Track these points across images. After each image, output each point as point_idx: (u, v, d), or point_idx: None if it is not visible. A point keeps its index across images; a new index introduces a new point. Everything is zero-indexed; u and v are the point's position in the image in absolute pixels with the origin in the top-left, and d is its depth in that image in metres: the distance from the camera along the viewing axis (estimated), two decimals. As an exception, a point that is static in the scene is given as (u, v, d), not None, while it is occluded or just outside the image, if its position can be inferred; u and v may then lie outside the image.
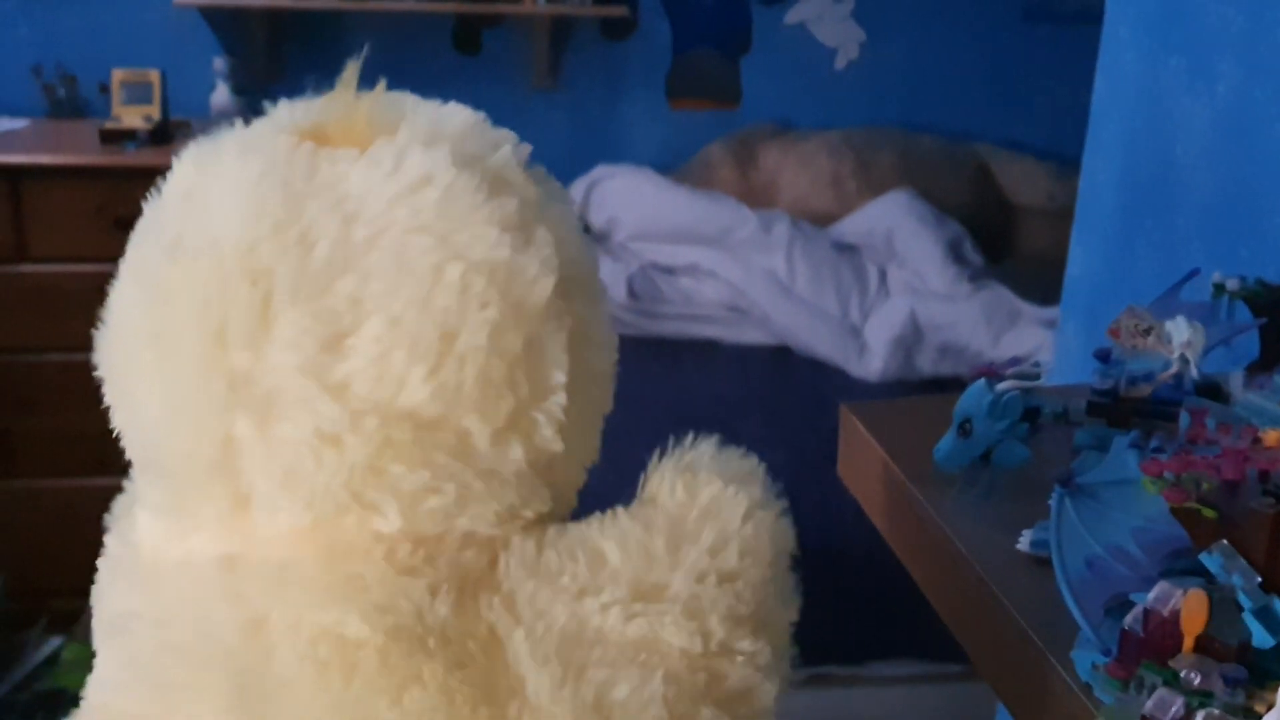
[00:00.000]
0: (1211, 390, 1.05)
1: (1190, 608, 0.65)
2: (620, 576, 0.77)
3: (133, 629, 0.78)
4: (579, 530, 0.80)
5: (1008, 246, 3.41)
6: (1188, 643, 0.65)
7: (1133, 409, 0.93)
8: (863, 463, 1.06)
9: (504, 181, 0.77)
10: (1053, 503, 0.77)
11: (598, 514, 0.82)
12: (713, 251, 3.16)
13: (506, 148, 0.79)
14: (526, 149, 0.81)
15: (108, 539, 0.86)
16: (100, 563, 0.86)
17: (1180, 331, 0.92)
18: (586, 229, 0.86)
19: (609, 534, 0.79)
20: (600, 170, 3.22)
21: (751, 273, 3.15)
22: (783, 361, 3.17)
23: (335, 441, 0.72)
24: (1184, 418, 0.81)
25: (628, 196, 3.20)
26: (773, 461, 3.19)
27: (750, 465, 0.90)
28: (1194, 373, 0.93)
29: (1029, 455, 0.94)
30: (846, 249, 3.25)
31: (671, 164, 3.33)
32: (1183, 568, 0.70)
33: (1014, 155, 3.50)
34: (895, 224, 3.25)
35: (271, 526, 0.75)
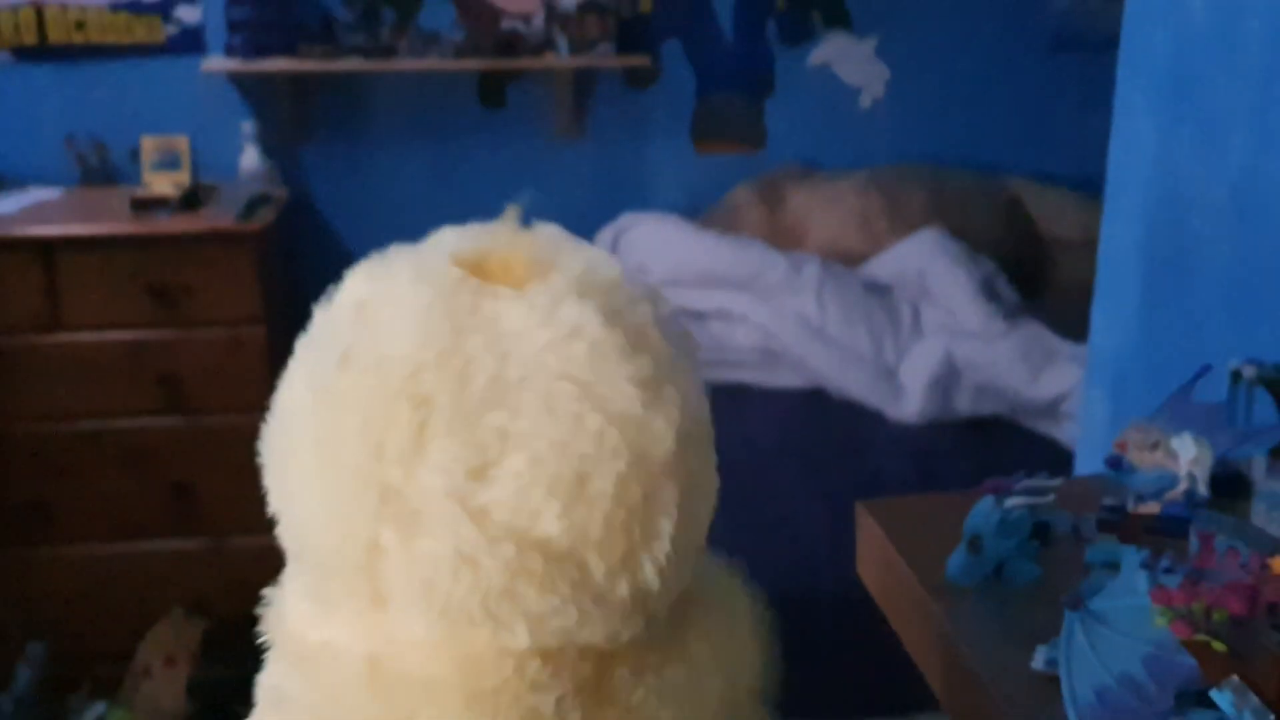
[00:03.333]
0: (1233, 479, 1.03)
1: (1201, 752, 0.64)
2: (711, 672, 0.87)
3: (291, 713, 0.86)
4: (668, 631, 0.87)
5: (1043, 281, 3.38)
6: (1199, 787, 0.64)
7: (1142, 526, 0.92)
8: (879, 565, 1.05)
9: (643, 339, 0.83)
10: (1063, 629, 0.76)
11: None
12: (742, 295, 3.15)
13: (647, 305, 0.86)
14: (666, 304, 0.89)
15: (265, 612, 0.92)
16: (264, 635, 0.93)
17: (1186, 449, 0.91)
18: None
19: (692, 629, 0.88)
20: (627, 218, 3.21)
21: (782, 315, 3.13)
22: (817, 404, 3.15)
23: (472, 562, 0.78)
24: (1193, 542, 0.80)
25: (655, 243, 3.19)
26: (809, 507, 3.16)
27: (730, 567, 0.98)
28: (1202, 489, 0.92)
29: (1040, 573, 0.93)
30: (878, 289, 3.23)
31: (698, 209, 3.33)
32: (1194, 701, 0.68)
33: (1046, 187, 3.47)
34: (926, 262, 3.23)
35: (407, 631, 0.81)
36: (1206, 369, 1.03)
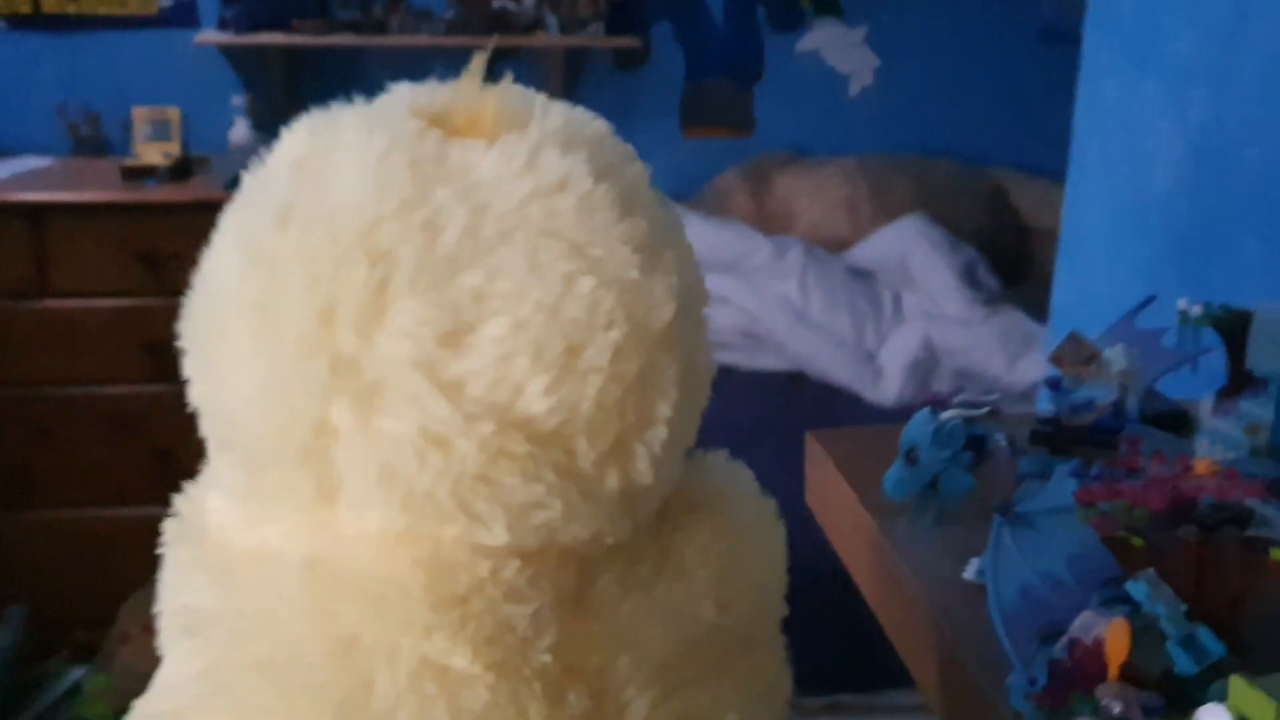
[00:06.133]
0: (1178, 417, 1.05)
1: (1113, 637, 0.66)
2: (705, 595, 0.77)
3: (209, 635, 0.73)
4: (660, 543, 0.78)
5: (1025, 269, 3.41)
6: (1112, 671, 0.66)
7: (1075, 437, 0.94)
8: (825, 490, 1.07)
9: (636, 199, 0.73)
10: (991, 533, 0.78)
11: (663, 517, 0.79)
12: (726, 278, 3.17)
13: (638, 164, 0.77)
14: (649, 168, 0.78)
15: (170, 525, 0.79)
16: (165, 551, 0.79)
17: (1118, 360, 0.93)
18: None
19: (687, 543, 0.78)
20: (614, 200, 3.23)
21: (765, 299, 3.15)
22: (798, 387, 3.17)
23: (443, 443, 0.67)
24: (1122, 448, 0.82)
25: (641, 225, 3.21)
26: (788, 487, 3.19)
27: (745, 471, 0.90)
28: (1133, 401, 0.94)
29: (974, 484, 0.95)
30: (861, 274, 3.26)
31: (686, 192, 3.35)
32: (1113, 596, 0.70)
33: (1030, 178, 3.50)
34: (909, 249, 3.26)
35: (358, 527, 0.71)
36: (1150, 299, 1.05)
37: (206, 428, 0.76)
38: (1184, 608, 0.67)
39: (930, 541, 0.93)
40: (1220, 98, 1.21)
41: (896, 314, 3.19)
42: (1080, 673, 0.67)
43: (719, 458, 0.88)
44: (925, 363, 3.13)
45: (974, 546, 0.87)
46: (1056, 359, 0.97)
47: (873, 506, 0.98)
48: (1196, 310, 1.04)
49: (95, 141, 3.11)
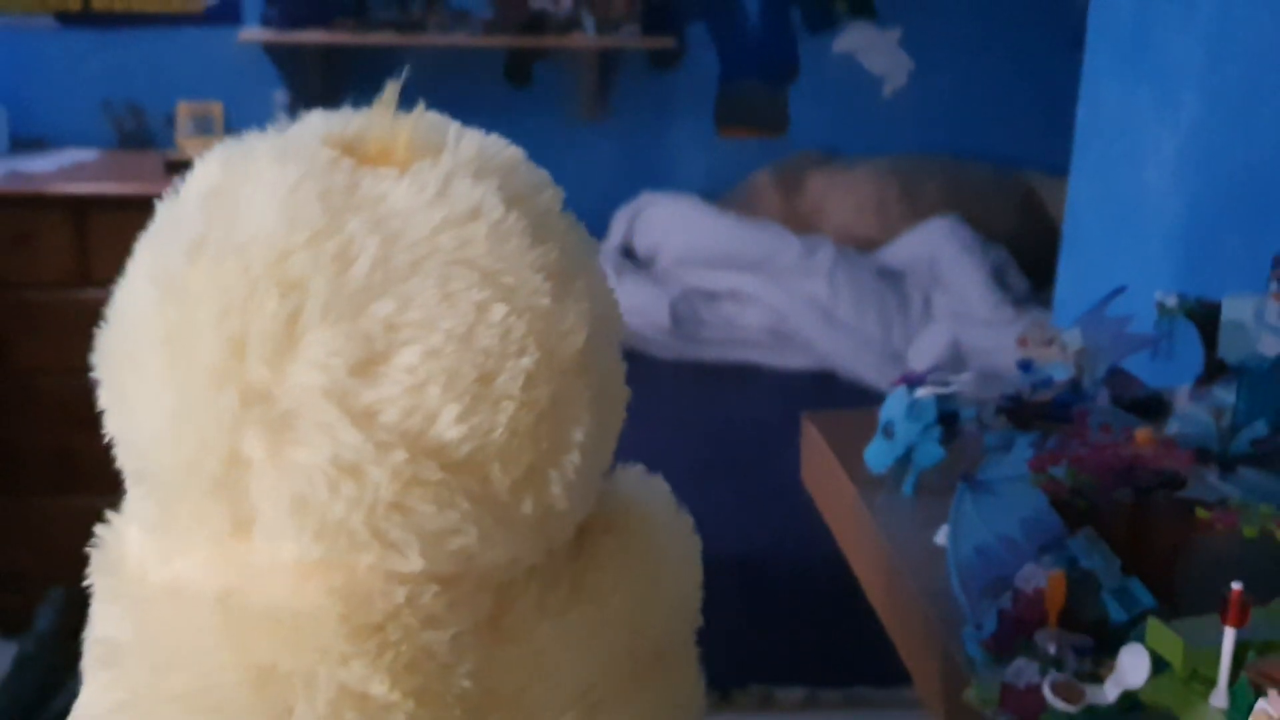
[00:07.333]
0: (1155, 403, 1.10)
1: (1051, 587, 0.71)
2: (621, 618, 0.78)
3: (126, 667, 0.74)
4: (576, 566, 0.78)
5: (1055, 271, 3.43)
6: (1051, 618, 0.71)
7: (1036, 412, 0.99)
8: (817, 467, 1.12)
9: (548, 226, 0.74)
10: (954, 498, 0.83)
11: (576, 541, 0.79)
12: (755, 277, 3.21)
13: (550, 190, 0.77)
14: (561, 193, 0.78)
15: (94, 554, 0.81)
16: (91, 580, 0.81)
17: (1075, 342, 0.98)
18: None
19: (602, 566, 0.79)
20: (645, 197, 3.27)
21: (794, 298, 3.19)
22: (825, 386, 3.20)
23: (356, 472, 0.67)
24: (1075, 420, 0.87)
25: (671, 223, 3.25)
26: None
27: (661, 485, 0.87)
28: (1086, 380, 0.99)
29: (944, 455, 1.00)
30: (890, 274, 3.29)
31: (718, 191, 3.39)
32: (1057, 553, 0.75)
33: (1062, 181, 3.50)
34: (939, 250, 3.28)
35: (272, 557, 0.71)
36: (1120, 290, 1.10)
37: (122, 459, 0.77)
38: (1119, 562, 0.72)
39: (905, 509, 0.98)
40: (1208, 103, 1.25)
41: (925, 314, 3.22)
42: (1023, 620, 0.72)
43: (633, 473, 0.86)
44: (953, 363, 3.16)
45: (946, 514, 0.93)
46: (1021, 340, 1.02)
47: (856, 479, 1.03)
48: (1172, 302, 1.08)
49: (140, 135, 3.19)
